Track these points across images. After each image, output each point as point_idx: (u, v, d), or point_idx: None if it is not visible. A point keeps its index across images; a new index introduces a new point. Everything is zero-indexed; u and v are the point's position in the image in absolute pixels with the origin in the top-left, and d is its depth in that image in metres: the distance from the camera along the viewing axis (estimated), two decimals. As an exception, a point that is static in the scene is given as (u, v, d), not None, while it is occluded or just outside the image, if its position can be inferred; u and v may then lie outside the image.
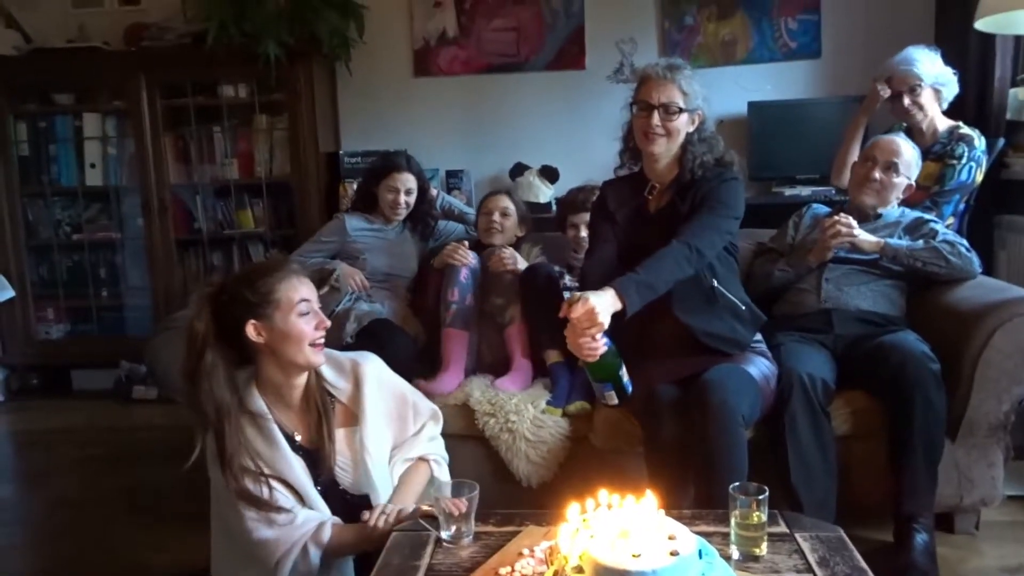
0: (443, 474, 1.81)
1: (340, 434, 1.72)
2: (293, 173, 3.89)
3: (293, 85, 3.79)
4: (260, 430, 1.65)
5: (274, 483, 1.61)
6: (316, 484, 1.67)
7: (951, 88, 2.71)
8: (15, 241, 3.99)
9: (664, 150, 2.07)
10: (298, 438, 1.70)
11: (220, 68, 3.83)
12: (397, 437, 1.79)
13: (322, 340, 1.66)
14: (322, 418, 1.70)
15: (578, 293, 1.79)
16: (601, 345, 1.77)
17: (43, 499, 2.86)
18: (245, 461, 1.61)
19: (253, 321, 1.61)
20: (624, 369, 1.84)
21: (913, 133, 2.71)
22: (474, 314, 2.50)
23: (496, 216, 2.73)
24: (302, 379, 1.71)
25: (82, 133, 4.01)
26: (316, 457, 1.69)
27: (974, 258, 2.29)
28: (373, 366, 1.80)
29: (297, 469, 1.64)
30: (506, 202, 2.76)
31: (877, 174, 2.39)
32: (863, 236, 2.28)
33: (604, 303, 1.76)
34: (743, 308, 2.06)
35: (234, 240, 4.04)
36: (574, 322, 1.75)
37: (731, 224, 2.05)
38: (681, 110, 2.03)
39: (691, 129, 2.08)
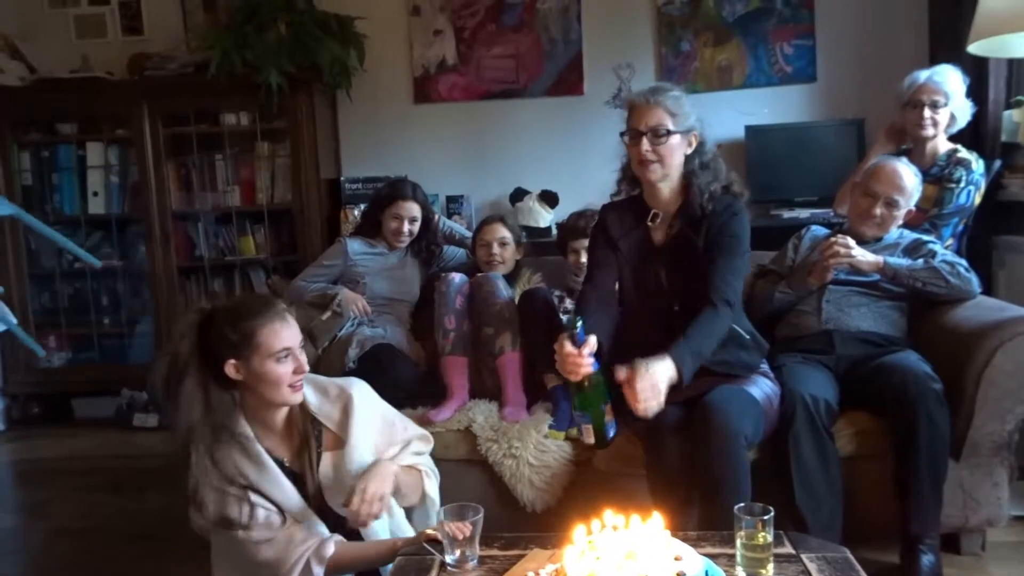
0: (433, 489, 1.82)
1: (327, 457, 1.73)
2: (294, 200, 3.91)
3: (294, 113, 3.83)
4: (248, 453, 1.67)
5: (260, 501, 1.63)
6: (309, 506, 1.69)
7: (962, 120, 2.71)
8: (17, 269, 4.00)
9: (660, 176, 2.04)
10: (286, 462, 1.72)
11: (222, 97, 3.87)
12: (388, 453, 1.80)
13: (300, 382, 1.68)
14: (304, 443, 1.72)
15: (640, 362, 1.76)
16: (587, 364, 1.72)
17: (44, 529, 2.84)
18: (227, 487, 1.63)
19: (232, 360, 1.63)
20: (608, 408, 1.76)
21: (912, 156, 2.71)
22: (471, 338, 2.50)
23: (495, 248, 2.73)
24: (283, 408, 1.73)
25: (85, 162, 4.04)
26: (302, 480, 1.71)
27: (973, 278, 2.30)
28: (360, 392, 1.80)
29: (288, 491, 1.67)
30: (502, 231, 2.75)
31: (878, 211, 2.39)
32: (862, 256, 2.29)
33: (664, 375, 1.76)
34: (747, 337, 2.07)
35: (236, 267, 4.05)
36: (635, 392, 1.72)
37: (746, 259, 2.07)
38: (669, 132, 2.00)
39: (688, 151, 2.05)
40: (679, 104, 2.02)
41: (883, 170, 2.42)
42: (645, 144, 2.00)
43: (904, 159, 2.52)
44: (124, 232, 4.12)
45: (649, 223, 2.12)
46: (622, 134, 2.08)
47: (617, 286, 2.16)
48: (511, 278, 2.71)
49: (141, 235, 4.01)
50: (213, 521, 1.63)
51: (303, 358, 1.68)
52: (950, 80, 2.66)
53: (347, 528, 1.68)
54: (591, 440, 1.77)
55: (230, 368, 1.63)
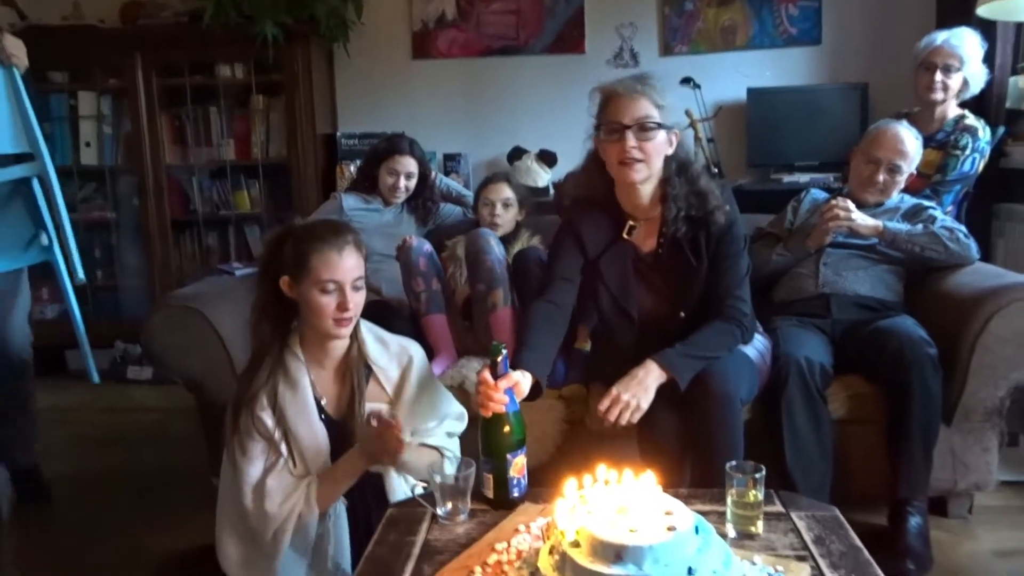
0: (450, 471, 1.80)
1: (368, 407, 1.71)
2: (290, 154, 3.87)
3: (291, 66, 3.77)
4: (291, 383, 1.67)
5: (280, 439, 1.64)
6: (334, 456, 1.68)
7: (976, 86, 2.68)
8: (9, 220, 3.97)
9: (644, 177, 1.85)
10: (324, 402, 1.71)
11: (217, 48, 3.80)
12: (420, 427, 1.78)
13: (348, 317, 1.65)
14: (355, 392, 1.71)
15: (628, 387, 1.72)
16: (500, 400, 1.49)
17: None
18: (263, 409, 1.63)
19: (286, 277, 1.66)
20: (517, 462, 1.50)
21: (920, 119, 2.68)
22: (444, 294, 2.51)
23: (498, 208, 2.71)
24: (340, 343, 1.72)
25: (77, 112, 3.99)
26: (340, 429, 1.70)
27: (972, 244, 2.29)
28: (419, 356, 1.81)
29: (315, 426, 1.66)
30: (507, 192, 2.73)
31: (881, 177, 2.37)
32: (861, 220, 2.27)
33: (641, 385, 1.72)
34: (746, 319, 1.96)
35: (230, 222, 4.03)
36: (609, 421, 1.69)
37: (746, 260, 1.96)
38: (659, 125, 1.81)
39: (669, 151, 1.87)
40: (664, 95, 1.84)
41: (884, 135, 2.39)
42: (630, 139, 1.80)
43: (904, 122, 2.48)
44: (117, 184, 4.08)
45: (626, 236, 1.96)
46: (596, 128, 1.88)
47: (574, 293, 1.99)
48: (510, 239, 2.69)
49: (135, 187, 3.97)
50: (242, 436, 1.63)
51: (354, 297, 1.65)
52: (967, 44, 2.61)
53: (362, 486, 1.68)
54: (489, 492, 1.49)
55: (284, 284, 1.66)
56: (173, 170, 3.99)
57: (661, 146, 1.84)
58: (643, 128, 1.80)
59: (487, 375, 1.53)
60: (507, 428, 1.49)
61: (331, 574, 1.65)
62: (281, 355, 1.68)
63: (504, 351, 1.54)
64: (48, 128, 3.98)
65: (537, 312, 1.89)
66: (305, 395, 1.67)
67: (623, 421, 1.73)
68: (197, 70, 3.91)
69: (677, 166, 1.89)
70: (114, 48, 3.83)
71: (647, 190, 1.91)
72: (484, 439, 1.50)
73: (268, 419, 1.63)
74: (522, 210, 2.79)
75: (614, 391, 1.73)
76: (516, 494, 1.49)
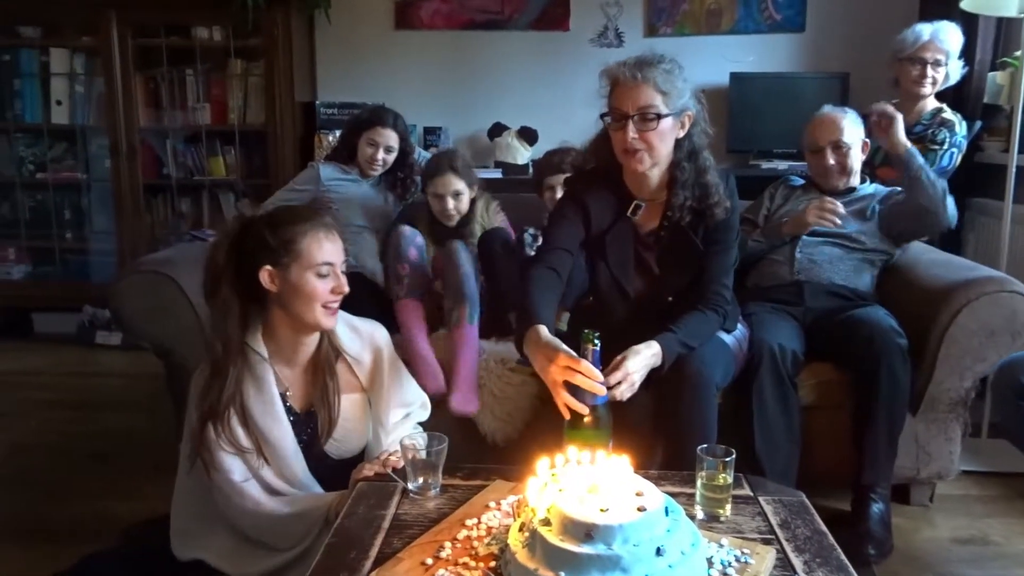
0: None
1: (345, 400, 1.67)
2: (268, 121, 3.81)
3: (270, 31, 3.70)
4: (256, 381, 1.58)
5: (253, 456, 1.57)
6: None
7: (953, 78, 2.72)
8: (-25, 177, 3.88)
9: (648, 165, 1.83)
10: (290, 396, 1.64)
11: (194, 9, 3.73)
12: (395, 415, 1.74)
13: (336, 304, 1.60)
14: (328, 384, 1.64)
15: (629, 353, 1.66)
16: (583, 406, 1.45)
17: (1, 442, 2.81)
18: (235, 422, 1.55)
19: (268, 267, 1.55)
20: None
21: (899, 111, 2.69)
22: (426, 281, 2.41)
23: (450, 203, 2.52)
24: (312, 340, 1.65)
25: (48, 69, 3.89)
26: (306, 423, 1.64)
27: (952, 207, 2.28)
28: (387, 340, 1.76)
29: (285, 427, 1.59)
30: (456, 184, 2.51)
31: (831, 160, 2.39)
32: (896, 137, 2.29)
33: (645, 364, 1.68)
34: (728, 307, 1.97)
35: (204, 187, 3.97)
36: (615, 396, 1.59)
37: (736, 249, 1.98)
38: (660, 116, 1.76)
39: (680, 134, 1.84)
40: (671, 79, 1.78)
41: (818, 120, 2.44)
42: (631, 130, 1.77)
43: (830, 105, 2.49)
44: (88, 144, 3.99)
45: (630, 215, 1.94)
46: (603, 115, 1.84)
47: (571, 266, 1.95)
48: (469, 217, 2.59)
49: (106, 149, 3.88)
50: (210, 444, 1.54)
51: (344, 280, 1.60)
52: (952, 39, 2.66)
53: (330, 477, 1.63)
54: None
55: (264, 276, 1.54)
56: (146, 133, 3.91)
57: (666, 133, 1.81)
58: (644, 118, 1.77)
59: (591, 367, 1.45)
60: (603, 421, 1.46)
61: None
62: (243, 353, 1.58)
63: (598, 341, 1.45)
64: (18, 85, 3.90)
65: (540, 277, 1.83)
66: (271, 391, 1.59)
67: (623, 397, 1.66)
68: (173, 31, 3.83)
69: (688, 151, 1.87)
70: (89, 5, 3.72)
71: (655, 174, 1.89)
72: (579, 435, 1.43)
73: (239, 428, 1.56)
74: (473, 189, 2.60)
75: (627, 367, 1.66)
76: None
